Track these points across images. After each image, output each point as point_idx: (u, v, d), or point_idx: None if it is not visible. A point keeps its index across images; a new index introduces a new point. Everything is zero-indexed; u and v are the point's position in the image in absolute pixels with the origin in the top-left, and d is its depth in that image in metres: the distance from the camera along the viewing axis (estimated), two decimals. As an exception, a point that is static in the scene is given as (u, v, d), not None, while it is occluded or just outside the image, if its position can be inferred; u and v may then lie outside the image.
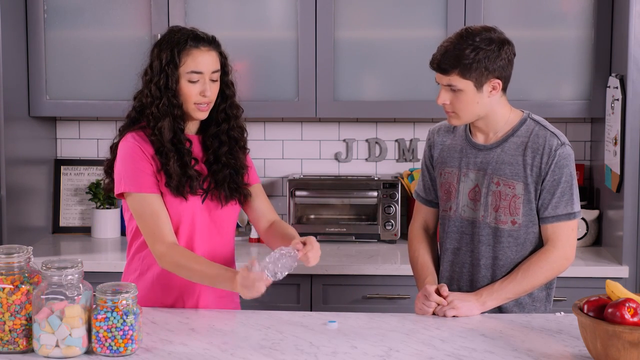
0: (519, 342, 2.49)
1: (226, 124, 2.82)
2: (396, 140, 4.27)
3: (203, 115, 2.78)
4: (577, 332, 2.53)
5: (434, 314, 2.76)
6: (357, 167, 4.29)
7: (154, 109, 2.73)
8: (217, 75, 2.77)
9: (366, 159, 4.29)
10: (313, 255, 2.60)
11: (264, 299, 3.72)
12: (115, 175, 2.78)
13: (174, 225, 2.77)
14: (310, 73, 3.90)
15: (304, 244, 2.61)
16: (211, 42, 2.76)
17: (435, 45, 2.78)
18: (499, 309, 2.83)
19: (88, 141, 4.27)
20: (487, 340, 2.50)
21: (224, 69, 2.81)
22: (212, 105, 2.79)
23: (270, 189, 4.31)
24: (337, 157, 4.29)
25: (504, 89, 2.80)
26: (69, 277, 2.34)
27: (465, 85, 2.72)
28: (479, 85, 2.73)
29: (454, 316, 2.73)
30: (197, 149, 2.83)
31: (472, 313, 2.74)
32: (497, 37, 2.73)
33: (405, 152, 4.26)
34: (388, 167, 4.28)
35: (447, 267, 2.94)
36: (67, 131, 4.29)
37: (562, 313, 2.76)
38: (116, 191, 2.77)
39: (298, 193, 4.05)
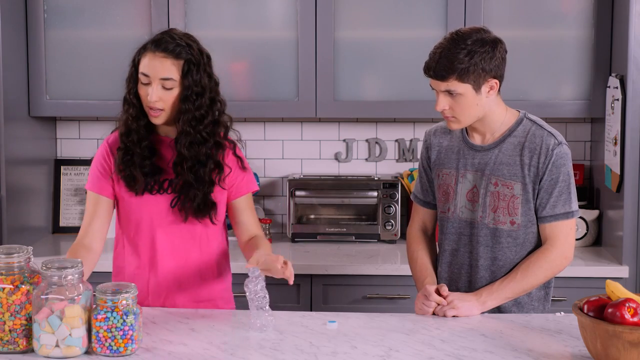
0: (519, 342, 2.48)
1: (184, 138, 2.77)
2: (396, 140, 4.27)
3: (155, 120, 2.77)
4: (577, 332, 2.53)
5: (434, 314, 2.75)
6: (357, 167, 4.29)
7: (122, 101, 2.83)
8: (171, 84, 2.73)
9: (366, 159, 4.28)
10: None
11: None
12: None
13: (136, 219, 2.84)
14: (310, 73, 3.90)
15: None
16: (171, 49, 2.72)
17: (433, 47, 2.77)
18: (498, 309, 2.83)
19: (88, 141, 4.27)
20: (487, 340, 2.50)
21: (184, 80, 2.73)
22: (166, 113, 2.76)
23: (270, 189, 4.31)
24: (337, 157, 4.28)
25: (499, 89, 2.80)
26: (69, 277, 2.33)
27: (464, 89, 2.71)
28: (477, 87, 2.72)
29: (454, 316, 2.73)
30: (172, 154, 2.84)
31: (472, 313, 2.74)
32: (488, 37, 2.73)
33: (405, 152, 4.26)
34: (388, 167, 4.28)
35: (445, 268, 2.94)
36: (67, 131, 4.29)
37: (562, 313, 2.76)
38: None
39: (298, 193, 4.05)
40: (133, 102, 2.78)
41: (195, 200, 2.79)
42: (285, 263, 2.61)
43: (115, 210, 2.92)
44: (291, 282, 2.61)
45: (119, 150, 2.81)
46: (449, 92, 2.73)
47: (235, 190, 2.88)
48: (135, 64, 2.77)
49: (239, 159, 2.87)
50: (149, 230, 2.84)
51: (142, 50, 2.76)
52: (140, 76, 2.74)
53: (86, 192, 2.91)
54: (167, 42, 2.74)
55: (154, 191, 2.82)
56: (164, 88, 2.73)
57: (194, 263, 2.87)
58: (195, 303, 2.89)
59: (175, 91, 2.74)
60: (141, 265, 2.87)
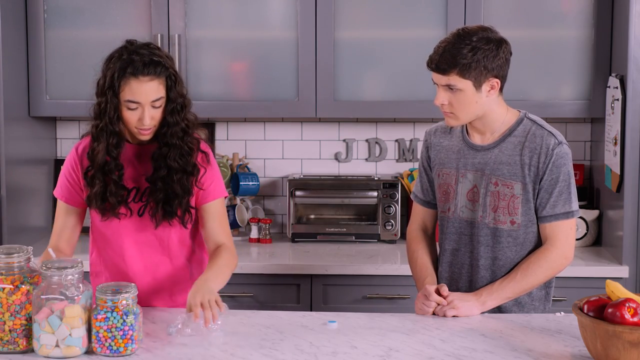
0: (518, 342, 2.48)
1: (166, 149, 2.75)
2: (396, 140, 4.26)
3: (146, 137, 2.75)
4: (577, 332, 2.52)
5: (434, 313, 2.75)
6: (357, 167, 4.28)
7: (93, 128, 2.74)
8: (160, 102, 2.71)
9: (366, 159, 4.28)
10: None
11: (263, 299, 3.70)
12: None
13: (105, 238, 2.85)
14: (310, 73, 3.89)
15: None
16: (153, 71, 2.67)
17: (435, 45, 2.77)
18: (499, 309, 2.82)
19: (88, 141, 4.26)
20: (487, 340, 2.49)
21: (170, 94, 2.73)
22: (155, 128, 2.74)
23: (270, 189, 4.30)
24: (337, 157, 4.28)
25: (501, 89, 2.80)
26: (69, 277, 2.33)
27: (464, 85, 2.71)
28: (477, 85, 2.72)
29: (454, 316, 2.72)
30: (144, 159, 2.82)
31: (472, 313, 2.73)
32: (494, 36, 2.73)
33: (405, 152, 4.25)
34: (388, 167, 4.27)
35: (446, 268, 2.93)
36: (67, 131, 4.28)
37: (562, 313, 2.75)
38: None
39: (298, 193, 4.04)
40: (116, 131, 2.71)
41: (182, 207, 2.78)
42: (202, 306, 2.54)
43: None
44: (209, 323, 2.53)
45: (92, 182, 2.75)
46: (450, 87, 2.72)
47: (202, 195, 2.84)
48: (115, 92, 2.67)
49: (205, 154, 2.84)
50: (117, 243, 2.84)
51: (121, 77, 2.65)
52: (127, 104, 2.67)
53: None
54: (145, 63, 2.66)
55: (121, 215, 2.80)
56: (153, 107, 2.70)
57: (165, 270, 2.87)
58: (167, 299, 2.89)
59: (162, 106, 2.73)
60: (113, 274, 2.88)
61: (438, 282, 2.90)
